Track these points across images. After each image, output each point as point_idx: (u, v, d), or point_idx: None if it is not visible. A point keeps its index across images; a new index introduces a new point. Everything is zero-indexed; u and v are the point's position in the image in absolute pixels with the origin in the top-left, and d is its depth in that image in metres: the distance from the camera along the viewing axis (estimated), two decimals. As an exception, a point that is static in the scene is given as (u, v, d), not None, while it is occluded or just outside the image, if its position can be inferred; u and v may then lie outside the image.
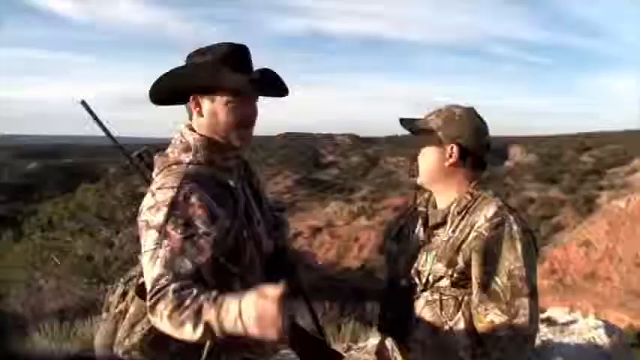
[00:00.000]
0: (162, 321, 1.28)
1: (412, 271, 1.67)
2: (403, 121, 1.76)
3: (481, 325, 1.55)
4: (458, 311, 1.60)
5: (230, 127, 1.51)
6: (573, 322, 4.78)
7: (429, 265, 1.63)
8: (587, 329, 4.57)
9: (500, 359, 1.53)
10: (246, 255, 1.49)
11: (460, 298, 1.60)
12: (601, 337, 4.39)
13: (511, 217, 1.59)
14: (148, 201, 1.42)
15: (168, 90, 1.57)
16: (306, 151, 68.93)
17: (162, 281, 1.29)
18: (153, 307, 1.29)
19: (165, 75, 1.56)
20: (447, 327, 1.60)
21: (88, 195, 9.64)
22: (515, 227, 1.57)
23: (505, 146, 65.02)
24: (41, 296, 7.53)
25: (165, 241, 1.33)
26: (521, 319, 1.51)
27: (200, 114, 1.52)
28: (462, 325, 1.58)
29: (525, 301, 1.53)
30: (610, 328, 4.66)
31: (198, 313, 1.24)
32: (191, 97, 1.52)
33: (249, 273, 1.50)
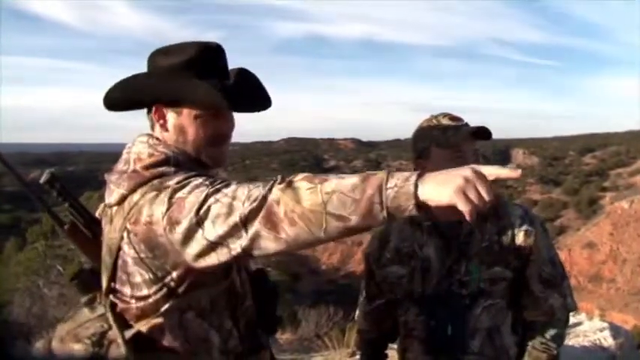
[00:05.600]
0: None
1: (452, 283, 1.61)
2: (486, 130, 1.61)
3: (539, 312, 1.64)
4: (508, 311, 1.64)
5: (201, 144, 1.26)
6: (578, 324, 4.75)
7: (474, 273, 1.60)
8: (593, 331, 4.53)
9: (559, 336, 1.65)
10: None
11: (510, 298, 1.64)
12: (607, 339, 4.36)
13: (533, 211, 1.74)
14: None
15: (124, 103, 1.33)
16: (308, 156, 68.98)
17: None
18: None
19: (118, 84, 1.31)
20: (500, 330, 1.63)
21: (91, 203, 9.66)
22: (540, 219, 1.71)
23: (507, 148, 65.00)
24: (44, 304, 7.53)
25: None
26: (569, 298, 1.67)
27: (165, 128, 1.27)
28: (509, 324, 1.65)
29: (567, 282, 1.68)
30: (616, 330, 4.62)
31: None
32: (153, 108, 1.28)
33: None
